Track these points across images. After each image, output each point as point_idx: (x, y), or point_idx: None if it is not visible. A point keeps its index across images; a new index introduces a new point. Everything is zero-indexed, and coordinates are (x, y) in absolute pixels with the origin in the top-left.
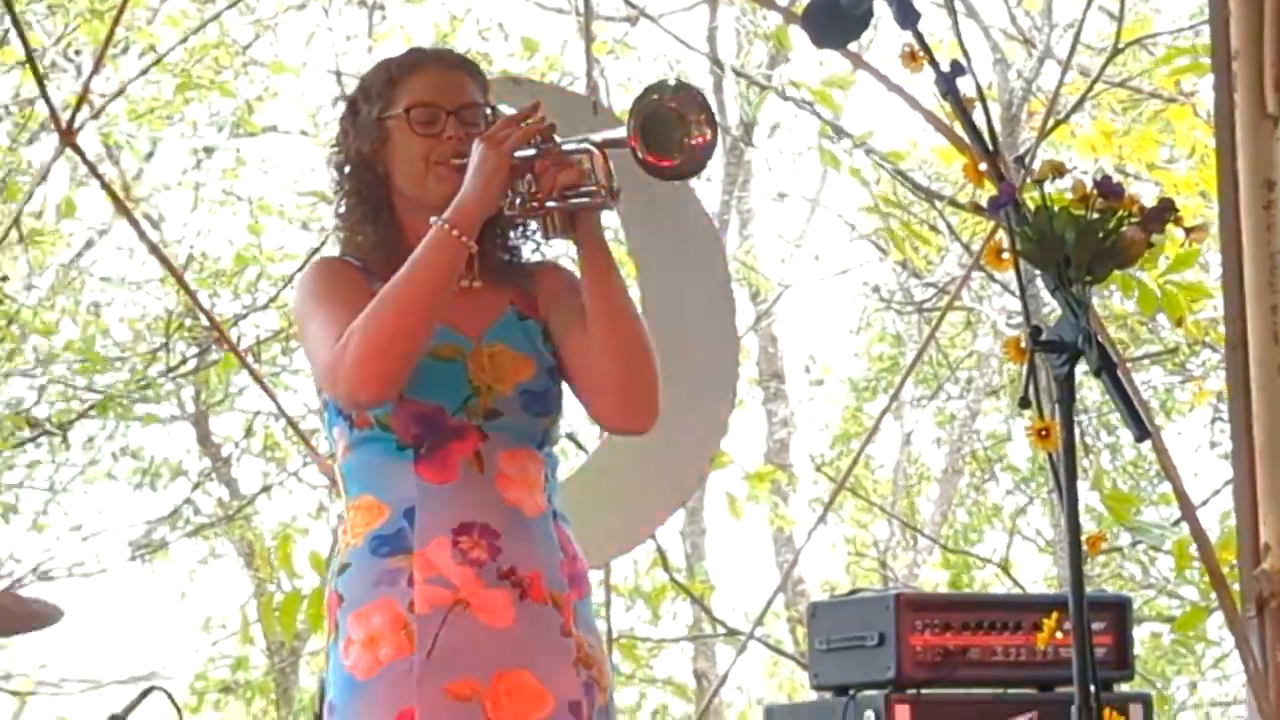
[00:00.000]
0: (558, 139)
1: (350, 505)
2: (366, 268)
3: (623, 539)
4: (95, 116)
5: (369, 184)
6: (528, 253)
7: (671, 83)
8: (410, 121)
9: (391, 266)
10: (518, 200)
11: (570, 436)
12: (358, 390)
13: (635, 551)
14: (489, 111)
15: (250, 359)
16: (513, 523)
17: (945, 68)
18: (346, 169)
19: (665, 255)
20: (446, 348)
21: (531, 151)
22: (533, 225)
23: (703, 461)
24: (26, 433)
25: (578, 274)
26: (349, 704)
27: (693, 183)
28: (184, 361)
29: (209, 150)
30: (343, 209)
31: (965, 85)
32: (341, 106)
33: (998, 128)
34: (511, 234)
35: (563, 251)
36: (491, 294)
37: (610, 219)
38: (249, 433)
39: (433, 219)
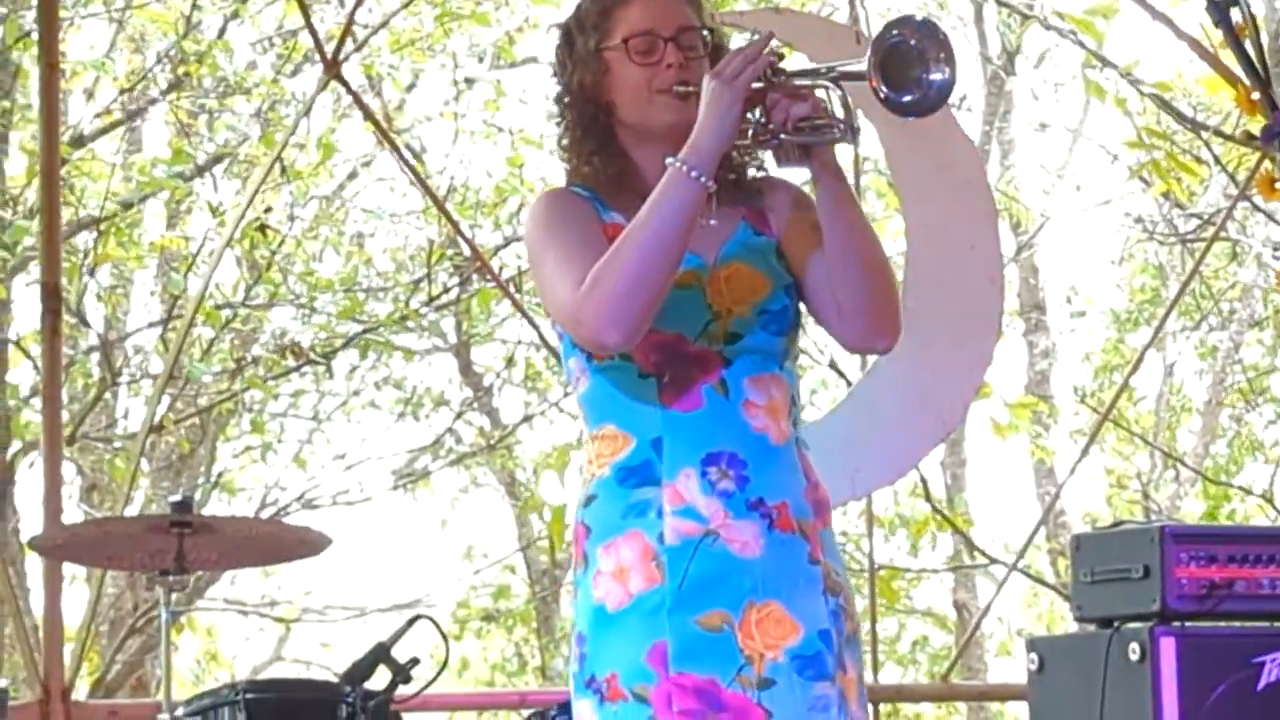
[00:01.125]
0: (789, 70)
1: (593, 435)
2: (596, 198)
3: (888, 470)
4: (359, 49)
5: (592, 115)
6: (752, 171)
7: (915, 19)
8: (629, 51)
9: (622, 197)
10: (750, 132)
11: (832, 365)
12: (603, 334)
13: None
14: (707, 34)
15: (512, 289)
16: (759, 451)
17: None
18: (567, 100)
19: (930, 188)
20: (685, 274)
21: (762, 84)
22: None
23: (968, 392)
24: (291, 362)
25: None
26: (600, 635)
27: (954, 112)
28: (445, 291)
29: (470, 81)
30: (566, 140)
31: (1235, 14)
32: (555, 35)
33: (1267, 58)
34: (734, 155)
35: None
36: (722, 213)
37: (874, 150)
38: (510, 363)
39: (668, 160)
